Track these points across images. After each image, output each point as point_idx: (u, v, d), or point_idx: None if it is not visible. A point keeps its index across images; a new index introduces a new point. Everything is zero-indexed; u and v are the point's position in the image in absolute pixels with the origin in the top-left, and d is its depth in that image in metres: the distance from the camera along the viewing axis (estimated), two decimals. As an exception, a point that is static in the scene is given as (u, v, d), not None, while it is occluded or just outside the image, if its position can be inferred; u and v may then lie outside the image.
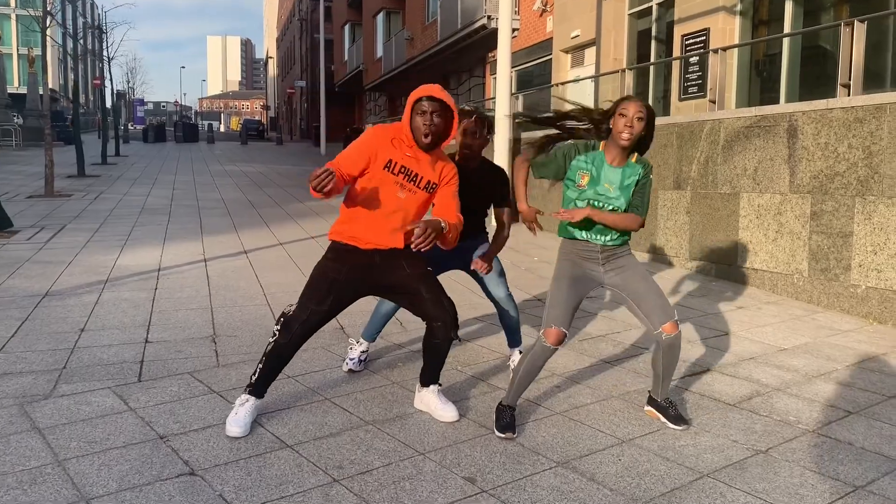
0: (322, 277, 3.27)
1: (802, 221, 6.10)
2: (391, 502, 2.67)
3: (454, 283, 6.15)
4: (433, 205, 3.37)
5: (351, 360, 4.18)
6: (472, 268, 3.92)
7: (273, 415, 3.50)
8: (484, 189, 3.91)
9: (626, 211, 3.27)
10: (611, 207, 3.25)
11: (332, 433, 3.30)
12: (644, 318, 3.31)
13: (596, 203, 3.25)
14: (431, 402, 3.52)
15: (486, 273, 3.93)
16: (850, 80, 6.02)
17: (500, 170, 4.01)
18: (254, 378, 3.32)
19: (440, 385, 3.57)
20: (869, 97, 5.57)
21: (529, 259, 7.88)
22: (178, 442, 3.18)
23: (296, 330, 3.21)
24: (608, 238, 3.30)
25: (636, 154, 3.29)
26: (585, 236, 3.32)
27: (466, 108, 4.02)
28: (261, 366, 3.30)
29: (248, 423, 3.28)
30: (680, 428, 3.45)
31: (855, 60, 6.00)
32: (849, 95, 6.04)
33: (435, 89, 3.17)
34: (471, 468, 2.98)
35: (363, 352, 4.22)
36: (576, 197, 3.29)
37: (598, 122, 3.32)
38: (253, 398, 3.33)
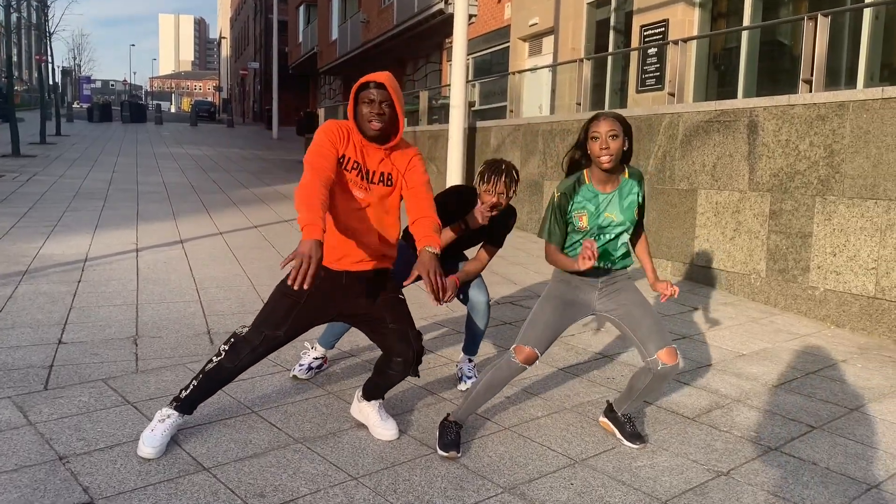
0: (282, 300, 2.90)
1: (761, 220, 5.93)
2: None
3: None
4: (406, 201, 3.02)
5: (301, 366, 3.84)
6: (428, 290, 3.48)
7: (192, 430, 3.15)
8: (493, 230, 3.65)
9: (630, 231, 3.04)
10: (617, 234, 3.00)
11: (255, 453, 2.97)
12: (638, 344, 3.02)
13: (602, 236, 3.00)
14: (371, 416, 3.21)
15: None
16: (812, 75, 5.85)
17: (512, 209, 3.70)
18: (184, 393, 2.94)
19: (382, 399, 3.25)
20: (832, 94, 5.40)
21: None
22: (80, 463, 2.81)
23: (244, 356, 2.86)
24: (614, 263, 3.04)
25: (625, 168, 3.02)
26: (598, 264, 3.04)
27: (496, 163, 3.48)
28: (195, 382, 2.92)
29: (163, 444, 2.91)
30: (635, 446, 3.20)
31: (818, 56, 5.84)
32: (811, 91, 5.88)
33: (382, 75, 2.83)
34: (408, 495, 2.68)
35: (316, 358, 3.87)
36: (581, 238, 3.00)
37: (579, 157, 3.04)
38: (176, 414, 2.95)
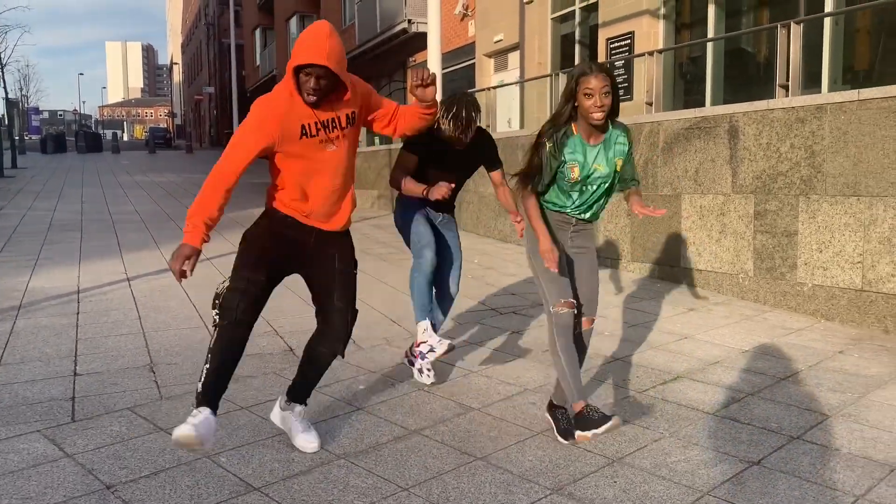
0: (253, 246, 2.93)
1: (746, 221, 6.14)
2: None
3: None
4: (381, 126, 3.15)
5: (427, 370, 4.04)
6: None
7: (232, 452, 3.17)
8: (472, 159, 4.01)
9: (617, 182, 3.26)
10: (606, 186, 3.21)
11: (301, 471, 3.00)
12: None
13: (587, 187, 3.18)
14: (294, 426, 3.17)
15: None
16: (788, 80, 6.10)
17: (484, 131, 4.06)
18: (200, 385, 2.81)
19: (305, 406, 3.21)
20: (810, 97, 5.64)
21: (471, 265, 7.69)
22: (129, 492, 2.82)
23: (237, 305, 2.77)
24: (590, 214, 3.27)
25: (608, 122, 3.17)
26: (573, 213, 3.24)
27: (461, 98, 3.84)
28: (207, 366, 2.79)
29: (208, 434, 2.68)
30: (566, 442, 3.26)
31: (792, 61, 6.09)
32: (787, 96, 6.13)
33: (324, 49, 2.66)
34: (461, 502, 2.75)
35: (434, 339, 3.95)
36: (569, 189, 3.15)
37: (565, 116, 3.16)
38: (207, 410, 2.74)
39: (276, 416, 3.29)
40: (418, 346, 3.97)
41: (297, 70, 2.74)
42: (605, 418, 3.02)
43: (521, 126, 13.21)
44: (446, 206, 4.11)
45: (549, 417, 3.40)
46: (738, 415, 3.66)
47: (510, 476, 2.97)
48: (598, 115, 3.01)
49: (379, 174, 12.76)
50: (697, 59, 10.19)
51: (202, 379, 2.83)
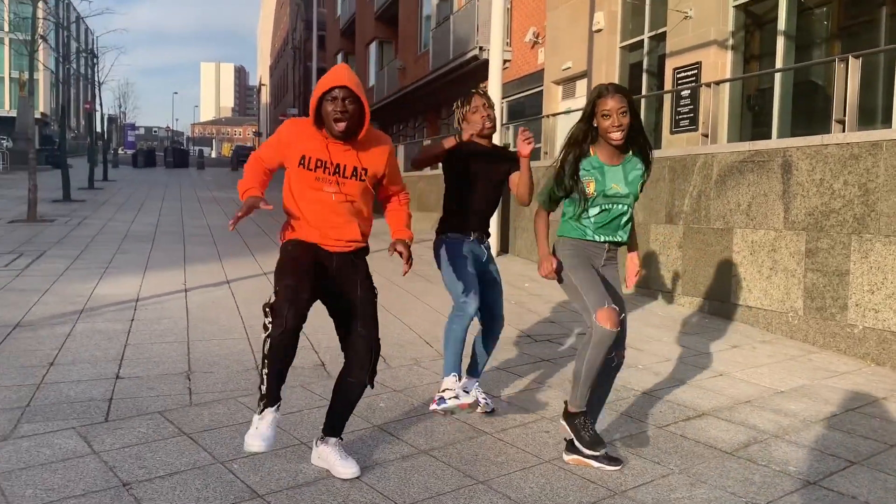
0: (290, 258, 3.00)
1: (797, 259, 5.97)
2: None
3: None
4: (381, 191, 3.29)
5: (483, 398, 3.93)
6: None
7: (245, 460, 3.30)
8: (499, 172, 3.89)
9: (633, 206, 3.29)
10: (625, 207, 3.23)
11: (306, 482, 3.10)
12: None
13: (607, 206, 3.20)
14: (331, 457, 3.17)
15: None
16: (844, 115, 5.93)
17: (502, 148, 4.11)
18: (263, 388, 2.90)
19: (341, 439, 3.24)
20: (865, 133, 5.48)
21: (520, 291, 7.71)
22: (142, 490, 2.98)
23: (287, 313, 2.79)
24: (618, 237, 3.28)
25: (628, 147, 3.21)
26: (598, 238, 3.25)
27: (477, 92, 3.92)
28: (266, 371, 2.88)
29: (272, 436, 2.89)
30: (615, 468, 3.31)
31: (850, 96, 5.93)
32: (843, 131, 5.96)
33: (343, 75, 2.91)
34: (453, 523, 2.79)
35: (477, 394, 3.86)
36: (589, 205, 3.17)
37: (584, 136, 3.20)
38: (270, 409, 2.91)
39: (314, 457, 3.28)
40: (443, 391, 3.64)
41: (321, 101, 2.91)
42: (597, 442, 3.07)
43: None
44: (484, 226, 4.02)
45: (569, 428, 3.26)
46: (756, 456, 3.57)
47: (508, 501, 2.99)
48: (616, 136, 3.07)
49: (440, 198, 12.94)
50: (766, 91, 9.97)
51: (263, 382, 2.89)
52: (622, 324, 3.22)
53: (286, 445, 3.47)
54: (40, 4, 15.01)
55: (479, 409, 3.89)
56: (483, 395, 3.99)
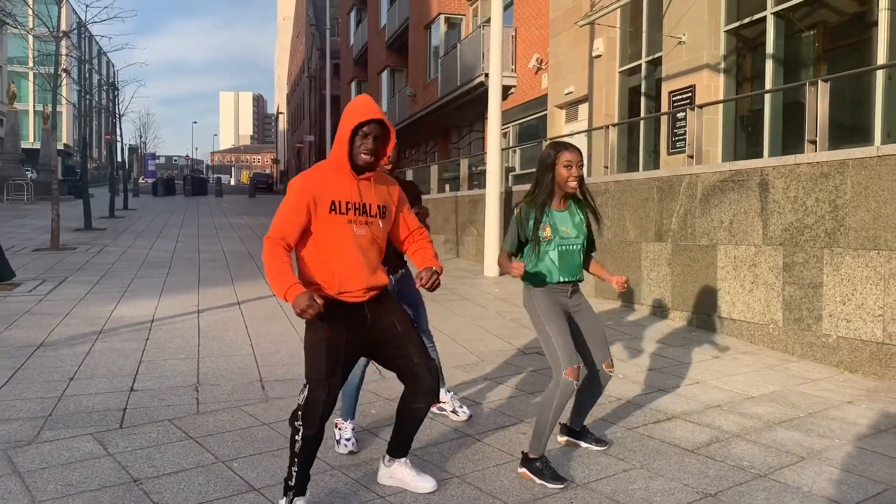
0: (316, 348, 2.94)
1: (776, 273, 6.26)
2: (344, 541, 2.82)
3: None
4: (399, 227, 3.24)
5: (347, 440, 3.81)
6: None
7: (245, 459, 3.64)
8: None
9: (586, 247, 3.69)
10: (577, 248, 3.61)
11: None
12: (589, 352, 3.66)
13: (563, 247, 3.57)
14: (405, 474, 3.31)
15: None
16: (816, 136, 6.25)
17: (403, 179, 4.02)
18: (292, 481, 2.97)
19: (407, 457, 3.35)
20: (833, 153, 5.79)
21: (515, 308, 8.03)
22: (151, 485, 3.33)
23: (322, 413, 2.89)
24: (578, 276, 3.64)
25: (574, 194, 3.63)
26: (562, 278, 3.58)
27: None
28: (295, 469, 2.95)
29: None
30: (603, 448, 3.80)
31: (820, 118, 6.24)
32: (815, 151, 6.27)
33: (373, 108, 2.92)
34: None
35: (352, 429, 3.88)
36: (547, 249, 3.52)
37: (545, 185, 3.59)
38: (300, 499, 3.01)
39: (383, 476, 3.38)
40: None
41: (353, 135, 2.93)
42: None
43: (588, 174, 13.48)
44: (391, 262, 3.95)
45: (530, 473, 3.48)
46: (715, 453, 3.86)
47: (479, 492, 3.31)
48: (573, 184, 3.51)
49: (446, 220, 13.33)
50: (757, 112, 10.28)
51: (292, 477, 2.97)
52: (601, 338, 3.69)
53: (284, 447, 3.81)
54: (63, 41, 15.68)
55: (457, 419, 4.30)
56: (458, 405, 4.37)
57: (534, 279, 3.58)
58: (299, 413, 2.89)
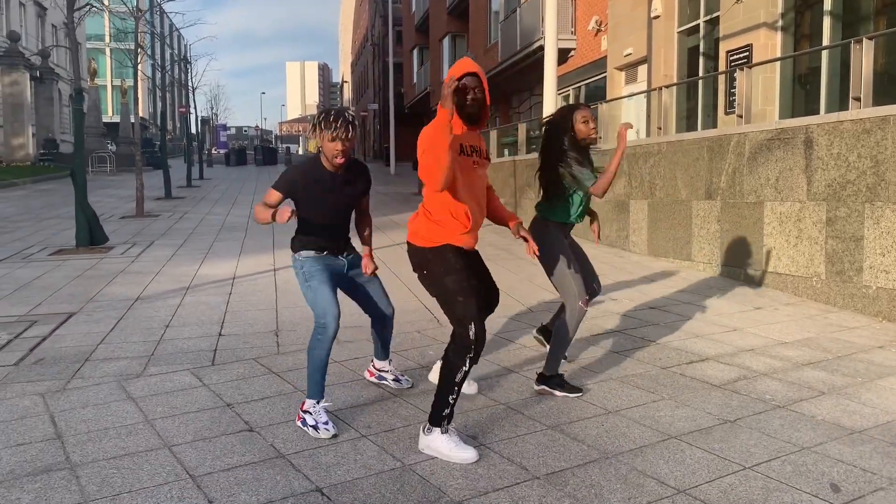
0: (448, 278, 3.26)
1: (819, 227, 6.48)
2: (406, 451, 3.34)
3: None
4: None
5: (325, 424, 3.57)
6: (365, 273, 3.99)
7: (278, 426, 4.20)
8: (356, 187, 3.80)
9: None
10: (583, 196, 4.24)
11: (366, 402, 3.98)
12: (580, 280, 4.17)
13: (581, 194, 4.20)
14: (442, 445, 3.27)
15: (372, 271, 3.99)
16: (861, 93, 6.38)
17: (361, 163, 3.87)
18: (446, 411, 3.26)
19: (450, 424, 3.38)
20: (874, 109, 5.94)
21: (531, 266, 8.39)
22: (241, 408, 3.92)
23: (479, 332, 3.17)
24: (581, 217, 4.26)
25: None
26: (575, 220, 4.21)
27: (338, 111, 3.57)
28: (453, 397, 3.23)
29: (467, 447, 3.25)
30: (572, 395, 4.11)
31: (864, 75, 6.37)
32: (859, 108, 6.41)
33: (470, 64, 3.28)
34: (474, 429, 3.61)
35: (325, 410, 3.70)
36: (576, 190, 4.13)
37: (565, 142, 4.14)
38: (453, 425, 3.32)
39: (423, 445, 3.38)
40: (305, 411, 3.64)
41: (458, 88, 3.23)
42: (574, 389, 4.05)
43: (647, 135, 13.62)
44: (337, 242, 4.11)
45: (549, 388, 4.09)
46: (740, 388, 4.23)
47: (521, 417, 3.78)
48: (594, 136, 3.95)
49: (505, 183, 13.72)
50: (814, 70, 10.27)
51: (448, 407, 3.25)
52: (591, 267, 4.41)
53: (352, 380, 4.37)
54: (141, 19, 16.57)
55: (401, 386, 4.23)
56: (399, 374, 4.32)
57: (561, 215, 4.14)
58: (472, 347, 3.14)
